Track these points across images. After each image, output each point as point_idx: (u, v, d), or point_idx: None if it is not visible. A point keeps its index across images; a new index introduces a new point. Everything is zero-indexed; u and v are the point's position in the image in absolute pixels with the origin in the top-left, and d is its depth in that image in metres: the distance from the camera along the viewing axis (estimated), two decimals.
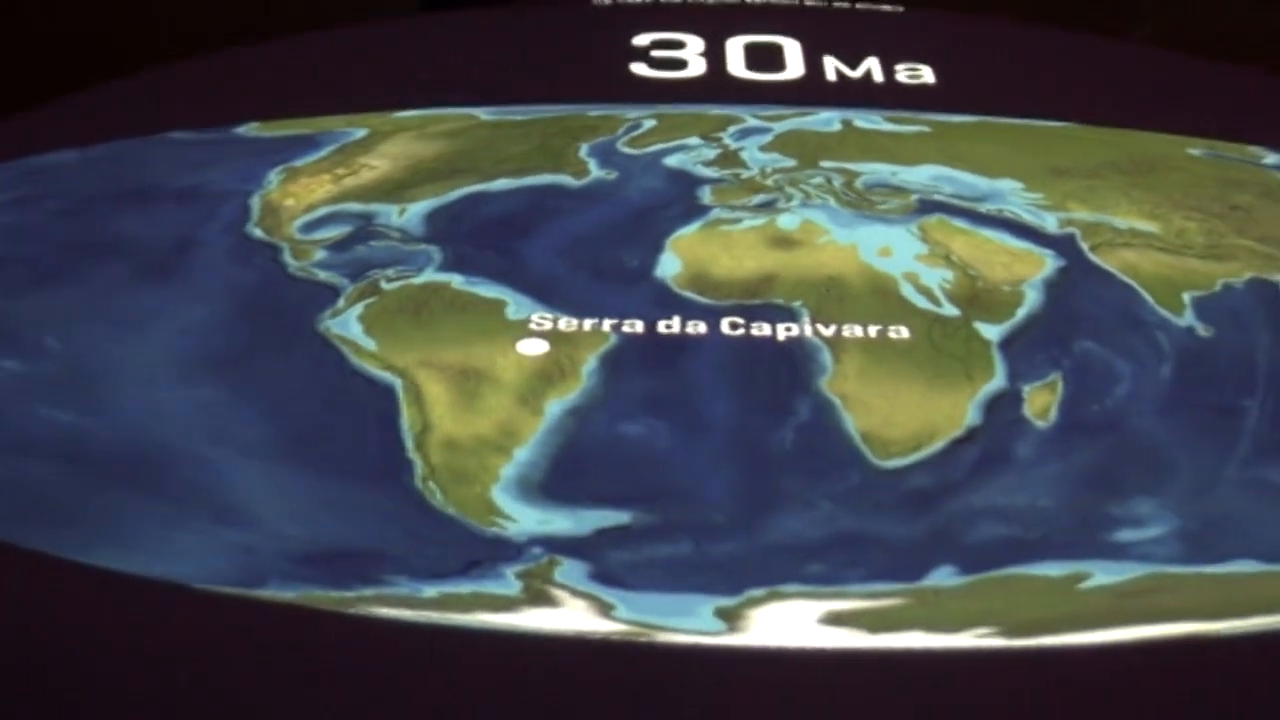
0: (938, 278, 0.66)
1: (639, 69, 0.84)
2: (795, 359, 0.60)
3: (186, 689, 0.44)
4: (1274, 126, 0.75)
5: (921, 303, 0.64)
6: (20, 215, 0.70)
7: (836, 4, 0.92)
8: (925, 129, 0.77)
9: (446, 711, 0.44)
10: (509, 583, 0.49)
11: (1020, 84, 0.81)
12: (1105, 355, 0.61)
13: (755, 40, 0.86)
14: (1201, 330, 0.62)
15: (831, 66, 0.82)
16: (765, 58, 0.84)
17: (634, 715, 0.44)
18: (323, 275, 0.66)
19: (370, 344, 0.61)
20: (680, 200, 0.70)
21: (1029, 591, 0.49)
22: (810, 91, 0.80)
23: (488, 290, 0.65)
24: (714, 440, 0.56)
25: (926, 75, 0.82)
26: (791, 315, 0.62)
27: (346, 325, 0.63)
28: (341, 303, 0.64)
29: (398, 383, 0.59)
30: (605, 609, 0.48)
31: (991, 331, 0.62)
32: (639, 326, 0.63)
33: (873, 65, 0.82)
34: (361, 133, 0.76)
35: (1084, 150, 0.75)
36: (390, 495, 0.53)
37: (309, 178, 0.73)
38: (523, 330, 0.62)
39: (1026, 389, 0.59)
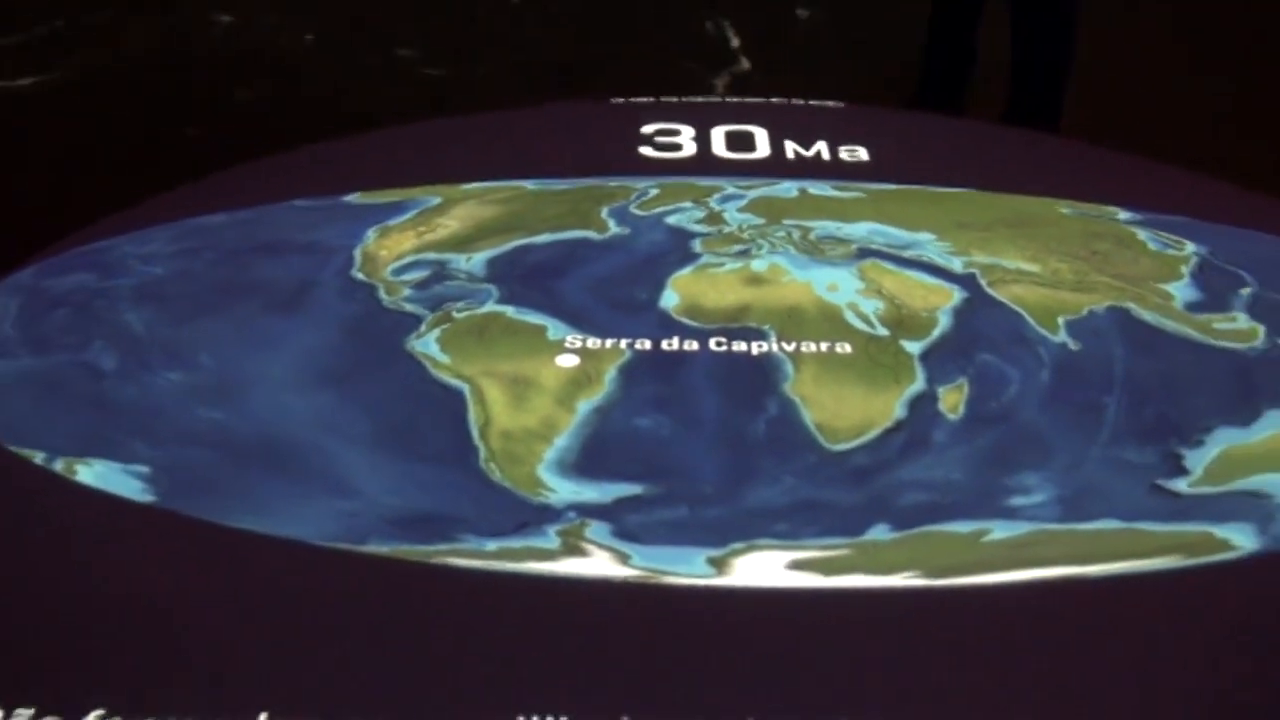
0: (872, 306, 0.63)
1: (646, 150, 0.81)
2: (765, 369, 0.58)
3: (306, 623, 0.43)
4: (1125, 191, 0.74)
5: (860, 325, 0.61)
6: (183, 263, 0.69)
7: (794, 101, 0.92)
8: (862, 195, 0.75)
9: (505, 638, 0.43)
10: (551, 539, 0.48)
11: (933, 161, 0.80)
12: (999, 364, 0.58)
13: (733, 129, 0.83)
14: (1072, 345, 0.61)
15: (791, 148, 0.80)
16: (740, 142, 0.82)
17: (645, 640, 0.44)
18: (409, 307, 0.64)
19: (445, 359, 0.59)
20: (678, 249, 0.68)
21: (944, 544, 0.48)
22: (775, 167, 0.78)
23: (533, 318, 0.62)
24: (705, 431, 0.55)
25: (862, 154, 0.79)
26: (762, 336, 0.60)
27: (427, 345, 0.60)
28: (423, 328, 0.61)
29: (466, 388, 0.57)
30: (623, 558, 0.47)
31: (913, 347, 0.59)
32: (647, 345, 0.60)
33: (822, 147, 0.80)
34: (437, 200, 0.74)
35: (981, 210, 0.73)
36: (460, 473, 0.52)
37: (398, 234, 0.70)
38: (559, 348, 0.59)
39: (940, 390, 0.57)
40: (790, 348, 0.57)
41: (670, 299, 0.61)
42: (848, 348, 0.57)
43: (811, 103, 0.87)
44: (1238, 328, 0.59)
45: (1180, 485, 0.49)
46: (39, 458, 0.50)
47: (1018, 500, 0.48)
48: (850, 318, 0.59)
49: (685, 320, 0.59)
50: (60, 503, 0.48)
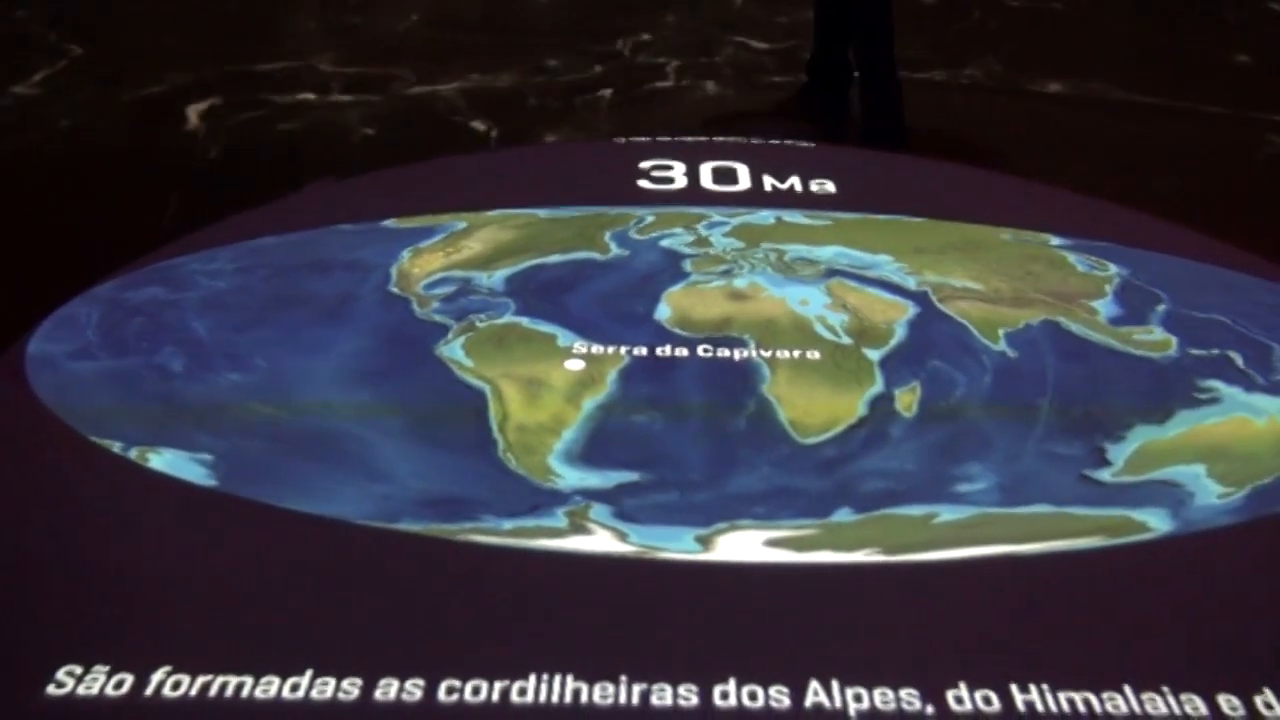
0: (838, 319, 0.63)
1: (643, 183, 0.81)
2: (745, 372, 0.58)
3: (347, 591, 0.43)
4: (1057, 220, 0.74)
5: (827, 335, 0.61)
6: (241, 279, 0.69)
7: (771, 141, 0.91)
8: (829, 222, 0.75)
9: (519, 605, 0.43)
10: (559, 519, 0.48)
11: (892, 193, 0.80)
12: (948, 370, 0.59)
13: (718, 165, 0.83)
14: (1010, 353, 0.61)
15: (768, 182, 0.80)
16: (725, 176, 0.81)
17: (640, 608, 0.44)
18: (438, 318, 0.64)
19: (469, 362, 0.59)
20: (671, 269, 0.69)
21: (899, 525, 0.48)
22: (754, 198, 0.78)
23: (545, 328, 0.63)
24: (693, 425, 0.55)
25: (830, 187, 0.79)
26: (743, 344, 0.60)
27: (453, 350, 0.60)
28: (450, 335, 0.62)
29: (487, 388, 0.57)
30: (622, 536, 0.47)
31: (874, 354, 0.60)
32: (644, 351, 0.60)
33: (795, 181, 0.80)
34: (463, 225, 0.74)
35: (934, 236, 0.73)
36: (482, 461, 0.52)
37: (429, 254, 0.70)
38: (568, 354, 0.60)
39: (897, 392, 0.57)
40: (767, 354, 0.57)
41: (664, 311, 0.61)
42: (817, 354, 0.57)
43: (786, 143, 0.87)
44: (1154, 339, 0.59)
45: (1104, 475, 0.49)
46: (116, 447, 0.49)
47: (963, 487, 0.48)
48: (819, 328, 0.59)
49: (676, 330, 0.59)
50: (134, 486, 0.48)
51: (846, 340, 0.58)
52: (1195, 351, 0.58)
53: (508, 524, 0.45)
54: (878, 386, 0.54)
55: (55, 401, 0.53)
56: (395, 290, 0.63)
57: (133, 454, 0.49)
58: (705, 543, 0.45)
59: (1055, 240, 0.69)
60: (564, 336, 0.58)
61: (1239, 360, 0.57)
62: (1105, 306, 0.62)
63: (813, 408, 0.53)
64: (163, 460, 0.49)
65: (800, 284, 0.64)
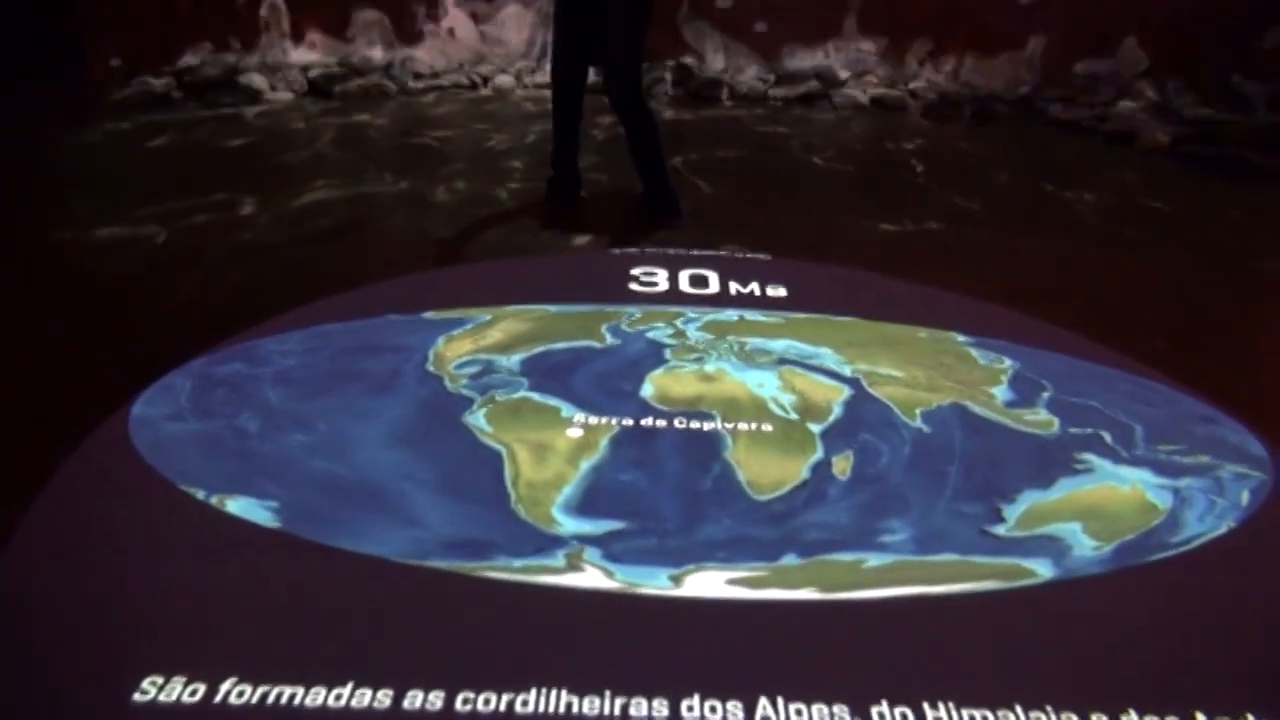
0: (788, 399, 0.64)
1: (634, 286, 0.83)
2: (712, 441, 0.59)
3: (385, 615, 0.43)
4: (963, 322, 0.75)
5: (779, 412, 0.62)
6: (307, 358, 0.69)
7: (736, 254, 0.93)
8: (781, 320, 0.77)
9: (526, 629, 0.43)
10: (559, 560, 0.48)
11: (832, 298, 0.81)
12: (875, 442, 0.59)
13: (693, 272, 0.85)
14: (925, 429, 0.61)
15: (733, 287, 0.82)
16: (698, 281, 0.83)
17: (622, 634, 0.43)
18: (465, 392, 0.65)
19: (489, 429, 0.60)
20: (654, 355, 0.70)
21: (835, 569, 0.49)
22: (722, 299, 0.80)
23: (552, 402, 0.63)
24: (669, 484, 0.55)
25: (782, 292, 0.82)
26: (711, 418, 0.61)
27: (477, 419, 0.61)
28: (474, 407, 0.62)
29: (503, 450, 0.57)
30: (609, 574, 0.47)
31: (815, 428, 0.61)
32: (630, 422, 0.61)
33: (754, 286, 0.82)
34: (487, 317, 0.75)
35: (864, 333, 0.75)
36: (497, 511, 0.52)
37: (459, 340, 0.71)
38: (569, 423, 0.60)
39: (834, 459, 0.58)
40: (730, 427, 0.57)
41: (647, 390, 0.61)
42: (770, 427, 0.57)
43: (748, 255, 0.89)
44: (1040, 419, 0.59)
45: (1000, 530, 0.49)
46: (200, 494, 0.49)
47: (886, 538, 0.48)
48: (772, 406, 0.60)
49: (657, 405, 0.59)
50: (212, 527, 0.48)
51: (794, 416, 0.59)
52: (1073, 430, 0.58)
53: (517, 563, 0.45)
54: (818, 454, 0.55)
55: (152, 455, 0.53)
56: (431, 369, 0.63)
57: (213, 500, 0.49)
58: (677, 581, 0.45)
59: (961, 338, 0.70)
60: (567, 409, 0.59)
61: (1108, 438, 0.58)
62: (1001, 392, 0.63)
63: (766, 471, 0.53)
64: (237, 505, 0.49)
65: (758, 370, 0.65)
